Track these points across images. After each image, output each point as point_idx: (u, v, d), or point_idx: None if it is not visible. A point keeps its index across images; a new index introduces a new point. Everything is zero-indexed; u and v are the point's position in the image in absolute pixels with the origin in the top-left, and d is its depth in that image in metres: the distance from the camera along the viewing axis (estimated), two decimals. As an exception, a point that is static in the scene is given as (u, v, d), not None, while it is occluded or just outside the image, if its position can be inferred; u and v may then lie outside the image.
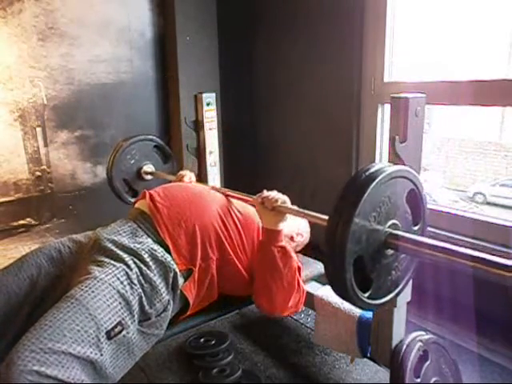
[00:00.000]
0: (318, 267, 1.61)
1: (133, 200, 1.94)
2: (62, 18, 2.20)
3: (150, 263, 1.13)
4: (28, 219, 2.28)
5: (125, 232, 1.21)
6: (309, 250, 1.64)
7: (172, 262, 1.17)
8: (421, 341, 1.16)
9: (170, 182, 1.79)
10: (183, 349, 1.60)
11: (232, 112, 2.61)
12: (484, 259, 0.77)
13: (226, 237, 1.29)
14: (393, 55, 1.97)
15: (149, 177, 1.98)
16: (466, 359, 1.48)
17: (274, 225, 1.26)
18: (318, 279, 1.61)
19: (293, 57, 2.41)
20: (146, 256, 1.14)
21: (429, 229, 1.80)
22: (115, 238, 1.17)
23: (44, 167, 2.28)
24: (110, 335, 0.98)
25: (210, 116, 2.10)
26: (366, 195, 0.79)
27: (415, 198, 0.94)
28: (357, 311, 1.31)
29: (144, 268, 1.11)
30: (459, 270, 0.82)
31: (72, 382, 0.89)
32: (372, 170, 0.83)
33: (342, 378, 1.45)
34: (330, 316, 1.39)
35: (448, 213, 1.81)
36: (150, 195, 1.32)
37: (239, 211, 1.37)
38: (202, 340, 1.62)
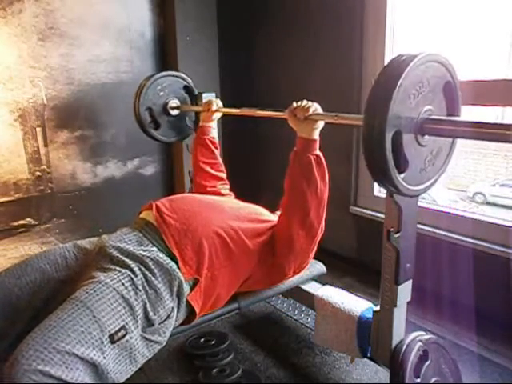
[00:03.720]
0: (318, 267, 1.61)
1: (154, 132, 1.99)
2: (61, 18, 2.21)
3: (155, 270, 1.13)
4: (28, 219, 2.28)
5: (130, 240, 1.21)
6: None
7: (177, 271, 1.16)
8: (421, 341, 1.16)
9: (196, 114, 1.90)
10: (183, 349, 1.60)
11: (232, 112, 2.60)
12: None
13: (234, 245, 1.28)
14: (393, 55, 1.96)
15: (175, 112, 2.01)
16: (466, 359, 1.48)
17: (309, 134, 1.28)
18: (317, 279, 1.60)
19: (293, 56, 2.41)
20: (151, 263, 1.13)
21: (429, 229, 1.81)
22: (121, 245, 1.17)
23: (44, 167, 2.28)
24: (113, 339, 0.97)
25: (210, 116, 2.11)
26: (408, 68, 0.83)
27: (451, 91, 0.97)
28: (357, 311, 1.31)
29: (149, 275, 1.11)
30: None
31: (75, 383, 0.88)
32: (415, 52, 0.87)
33: (341, 378, 1.45)
34: (329, 316, 1.39)
35: (448, 213, 1.81)
36: (157, 207, 1.31)
37: (248, 216, 1.37)
38: (202, 340, 1.62)
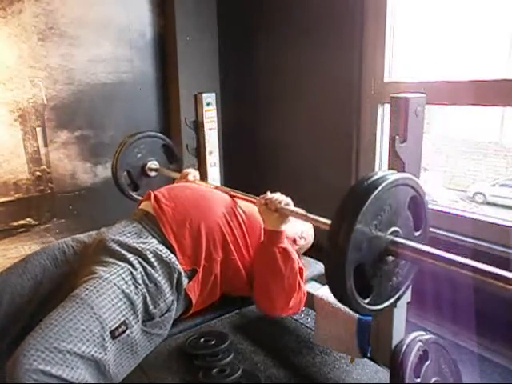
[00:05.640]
0: (318, 267, 1.61)
1: (133, 193, 1.95)
2: (61, 18, 2.20)
3: (155, 263, 1.13)
4: (28, 219, 2.28)
5: (129, 232, 1.21)
6: (309, 250, 1.64)
7: (176, 263, 1.17)
8: (421, 341, 1.16)
9: (174, 180, 1.80)
10: (183, 349, 1.60)
11: (232, 112, 2.61)
12: (485, 271, 0.76)
13: (230, 237, 1.29)
14: (393, 55, 1.96)
15: (153, 173, 1.99)
16: (466, 359, 1.48)
17: (276, 226, 1.25)
18: (317, 279, 1.60)
19: (293, 57, 2.41)
20: (150, 256, 1.14)
21: (429, 229, 1.80)
22: (120, 239, 1.17)
23: (44, 167, 2.28)
24: (114, 334, 0.98)
25: (210, 116, 2.11)
26: (367, 204, 0.79)
27: (417, 205, 0.94)
28: (357, 311, 1.31)
29: (149, 268, 1.11)
30: (459, 279, 0.83)
31: (76, 382, 0.89)
32: (374, 178, 0.83)
33: (342, 378, 1.45)
34: (330, 316, 1.39)
35: (448, 213, 1.81)
36: (155, 196, 1.32)
37: (244, 211, 1.38)
38: (202, 340, 1.62)
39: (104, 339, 0.95)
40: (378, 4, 1.93)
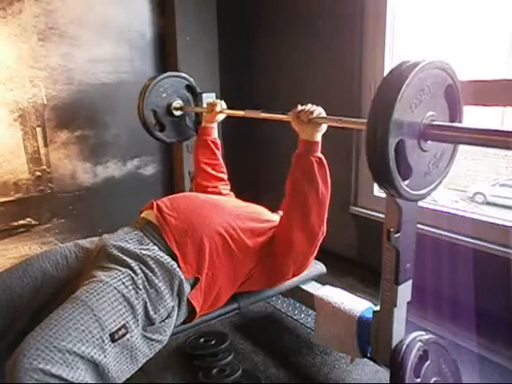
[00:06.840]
0: (318, 267, 1.61)
1: (159, 134, 2.00)
2: (61, 18, 2.20)
3: (156, 269, 1.13)
4: (28, 219, 2.28)
5: (131, 239, 1.21)
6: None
7: (178, 270, 1.17)
8: (421, 341, 1.15)
9: (200, 115, 1.88)
10: (183, 349, 1.60)
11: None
12: None
13: (234, 244, 1.28)
14: (393, 55, 1.96)
15: (178, 112, 2.02)
16: (466, 359, 1.48)
17: (311, 136, 1.29)
18: (317, 279, 1.60)
19: (293, 57, 2.41)
20: (151, 262, 1.14)
21: (429, 229, 1.81)
22: (121, 245, 1.17)
23: (44, 167, 2.28)
24: (113, 337, 0.98)
25: (210, 116, 2.10)
26: (409, 79, 0.82)
27: (453, 95, 0.97)
28: (357, 311, 1.31)
29: (150, 274, 1.11)
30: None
31: (76, 382, 0.89)
32: (415, 60, 0.87)
33: (341, 378, 1.45)
34: (330, 316, 1.39)
35: (448, 213, 1.81)
36: (158, 206, 1.31)
37: (249, 216, 1.37)
38: (201, 340, 1.62)
39: (103, 341, 0.95)
40: (378, 4, 1.93)
